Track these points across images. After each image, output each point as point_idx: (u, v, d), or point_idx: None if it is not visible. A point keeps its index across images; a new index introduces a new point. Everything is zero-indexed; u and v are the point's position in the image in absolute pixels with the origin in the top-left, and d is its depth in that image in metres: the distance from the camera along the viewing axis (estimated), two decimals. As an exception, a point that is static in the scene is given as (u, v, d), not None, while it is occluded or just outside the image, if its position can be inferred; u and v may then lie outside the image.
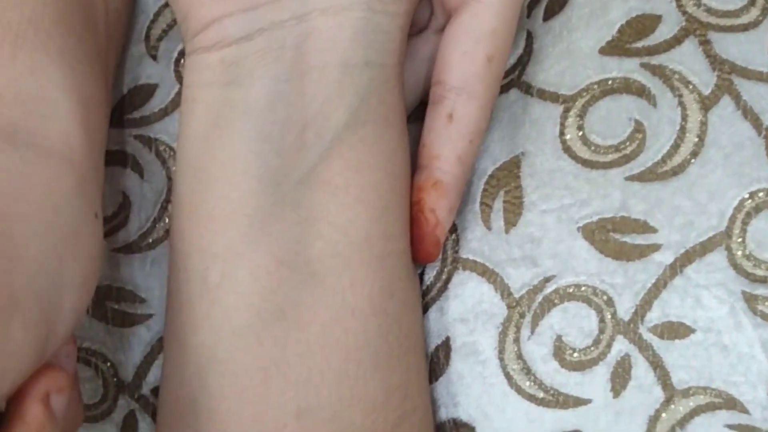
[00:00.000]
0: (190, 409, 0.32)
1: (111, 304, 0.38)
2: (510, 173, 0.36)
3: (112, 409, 0.37)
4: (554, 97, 0.36)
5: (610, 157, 0.36)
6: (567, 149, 0.36)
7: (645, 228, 0.35)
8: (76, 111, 0.30)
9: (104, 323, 0.38)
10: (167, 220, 0.37)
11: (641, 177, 0.35)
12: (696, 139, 0.35)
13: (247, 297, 0.31)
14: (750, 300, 0.34)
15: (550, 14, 0.37)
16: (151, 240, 0.38)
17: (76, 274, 0.28)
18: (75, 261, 0.28)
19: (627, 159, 0.36)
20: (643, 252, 0.35)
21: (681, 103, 0.35)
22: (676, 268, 0.35)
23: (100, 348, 0.38)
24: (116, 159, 0.38)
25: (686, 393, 0.34)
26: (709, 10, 0.36)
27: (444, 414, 0.36)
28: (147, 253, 0.38)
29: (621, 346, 0.35)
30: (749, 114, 0.35)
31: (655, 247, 0.35)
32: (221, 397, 0.31)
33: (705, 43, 0.36)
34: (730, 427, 0.33)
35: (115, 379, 0.37)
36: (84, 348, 0.37)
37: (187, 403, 0.32)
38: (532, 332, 0.35)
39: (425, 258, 0.34)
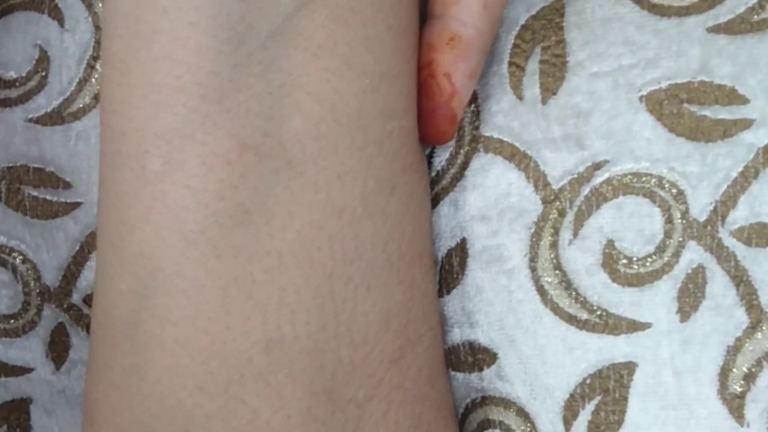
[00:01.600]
0: (127, 336, 0.31)
1: (28, 189, 0.38)
2: (550, 23, 0.36)
3: (36, 322, 0.38)
4: None
5: (687, 1, 0.35)
6: (628, -10, 0.35)
7: (732, 97, 0.34)
8: None
9: (21, 213, 0.38)
10: (96, 83, 0.37)
11: (729, 28, 0.34)
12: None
13: (200, 193, 0.30)
14: None
15: None
16: (76, 108, 0.37)
17: None
18: None
19: (711, 3, 0.35)
20: (728, 130, 0.34)
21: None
22: None
23: (17, 245, 0.38)
24: (29, 1, 0.38)
25: (779, 317, 0.33)
26: None
27: (457, 335, 0.36)
28: (71, 125, 0.37)
29: (693, 254, 0.34)
30: None
31: (746, 124, 0.34)
32: (168, 322, 0.30)
33: None
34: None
35: (37, 284, 0.38)
36: None
37: (123, 328, 0.31)
38: (575, 235, 0.35)
39: (437, 138, 0.34)
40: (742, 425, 0.33)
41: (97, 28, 0.37)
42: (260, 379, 0.30)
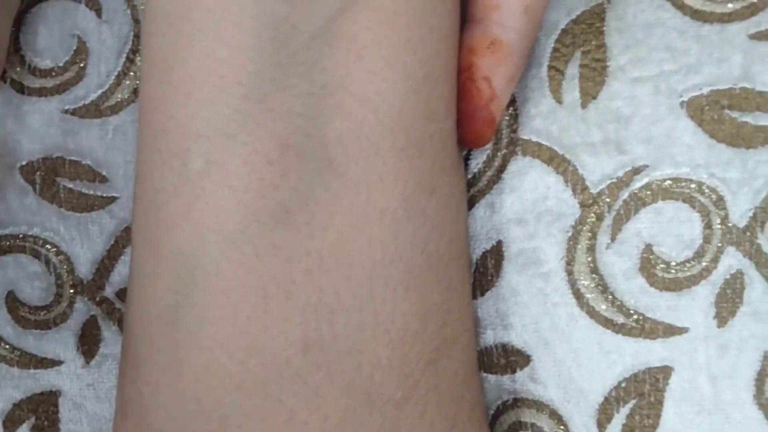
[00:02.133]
0: (164, 334, 0.31)
1: (63, 181, 0.37)
2: (590, 27, 0.36)
3: (68, 314, 0.38)
4: None
5: (730, 7, 0.35)
6: (671, -5, 0.35)
7: None
8: None
9: (56, 206, 0.37)
10: (135, 78, 0.37)
11: None
12: None
13: (241, 192, 0.30)
14: None
15: None
16: (114, 102, 0.37)
17: None
18: None
19: (753, 10, 0.35)
20: None
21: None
22: None
23: (51, 237, 0.38)
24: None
25: (816, 324, 0.33)
26: None
27: (491, 338, 0.36)
28: (109, 119, 0.37)
29: (732, 260, 0.34)
30: None
31: None
32: (206, 321, 0.30)
33: None
34: None
35: (71, 277, 0.38)
36: (30, 236, 0.37)
37: (160, 325, 0.31)
38: (613, 239, 0.35)
39: (475, 141, 0.33)
40: (777, 431, 0.33)
41: (136, 21, 0.37)
42: (298, 379, 0.30)
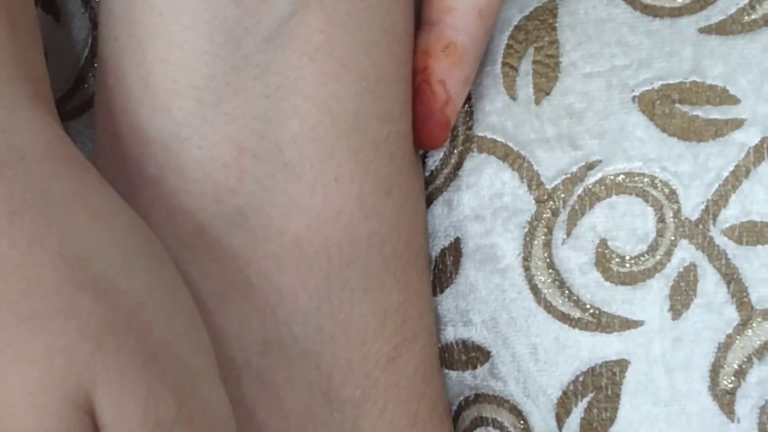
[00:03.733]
0: None
1: None
2: (543, 24, 0.36)
3: None
4: None
5: (679, 2, 0.35)
6: (621, -9, 0.36)
7: (724, 97, 0.34)
8: None
9: None
10: (93, 82, 0.37)
11: (721, 28, 0.34)
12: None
13: (197, 197, 0.30)
14: None
15: None
16: (72, 107, 0.37)
17: None
18: None
19: (703, 4, 0.35)
20: (719, 130, 0.34)
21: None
22: (763, 150, 0.34)
23: None
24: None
25: (769, 314, 0.34)
26: None
27: (451, 334, 0.35)
28: (68, 124, 0.37)
29: (685, 253, 0.34)
30: None
31: (737, 124, 0.34)
32: None
33: None
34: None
35: None
36: None
37: None
38: (569, 234, 0.35)
39: (430, 143, 0.34)
40: (732, 421, 0.33)
41: (95, 25, 0.36)
42: (257, 381, 0.30)
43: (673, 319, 0.34)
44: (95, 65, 0.36)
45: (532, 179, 0.35)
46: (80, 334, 0.24)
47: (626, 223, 0.34)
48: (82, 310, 0.24)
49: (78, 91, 0.37)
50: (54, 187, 0.26)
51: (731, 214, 0.34)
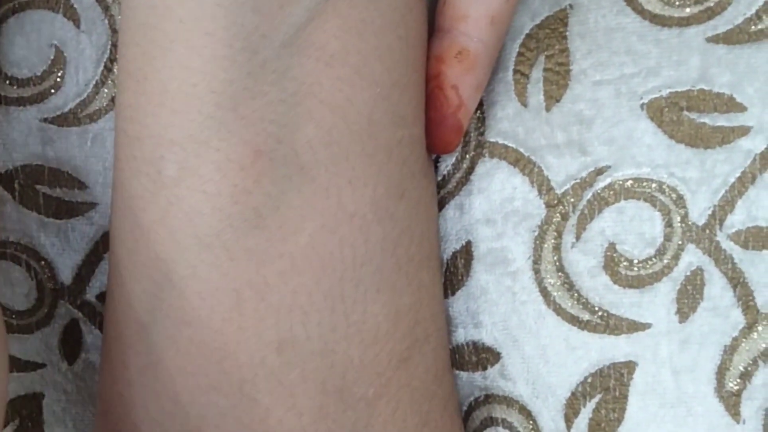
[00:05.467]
0: (141, 337, 0.31)
1: (44, 189, 0.37)
2: (554, 32, 0.35)
3: (50, 317, 0.38)
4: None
5: (687, 12, 0.35)
6: (630, 1, 0.35)
7: (730, 105, 0.34)
8: None
9: (36, 212, 0.37)
10: (113, 86, 0.37)
11: (728, 38, 0.34)
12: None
13: (215, 198, 0.30)
14: None
15: None
16: (92, 110, 0.37)
17: None
18: None
19: (710, 14, 0.34)
20: (726, 137, 0.34)
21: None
22: None
23: (31, 243, 0.37)
24: (41, 0, 0.37)
25: (775, 318, 0.34)
26: None
27: (462, 336, 0.36)
28: (87, 127, 0.37)
29: (692, 257, 0.34)
30: None
31: (743, 131, 0.34)
32: (182, 323, 0.30)
33: None
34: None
35: (51, 282, 0.38)
36: (11, 242, 0.37)
37: (137, 328, 0.31)
38: (578, 238, 0.35)
39: (443, 148, 0.34)
40: (738, 422, 0.33)
41: (114, 31, 0.36)
42: (273, 379, 0.30)
43: (680, 322, 0.34)
44: (115, 70, 0.36)
45: (542, 184, 0.35)
46: None
47: (634, 228, 0.34)
48: None
49: (97, 95, 0.36)
50: None
51: (737, 219, 0.33)
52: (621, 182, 0.34)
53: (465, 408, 0.36)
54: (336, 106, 0.30)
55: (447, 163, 0.36)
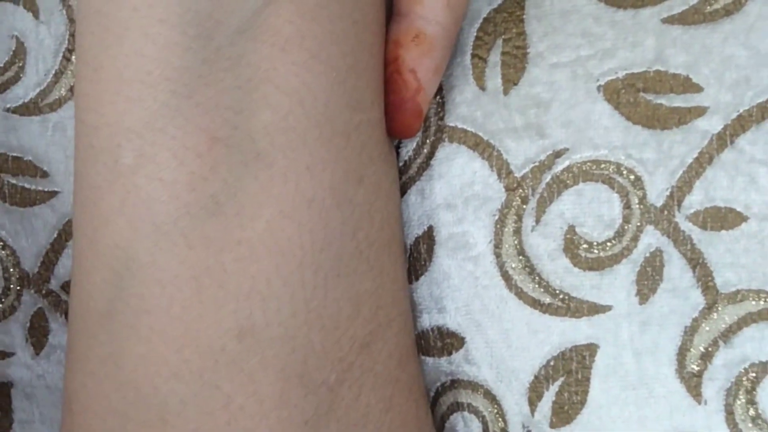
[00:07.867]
0: (103, 326, 0.31)
1: (7, 177, 0.38)
2: (511, 16, 0.35)
3: (16, 307, 0.38)
4: None
5: None
6: (586, -16, 0.35)
7: (686, 86, 0.34)
8: None
9: (0, 201, 0.38)
10: (72, 75, 0.37)
11: (683, 18, 0.34)
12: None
13: (172, 185, 0.30)
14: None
15: None
16: (52, 99, 0.37)
17: None
18: None
19: None
20: (683, 117, 0.34)
21: None
22: (726, 138, 0.34)
23: None
24: (2, -8, 0.38)
25: (733, 298, 0.33)
26: None
27: (426, 321, 0.36)
28: (48, 116, 0.37)
29: (651, 239, 0.34)
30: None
31: (699, 111, 0.34)
32: (142, 311, 0.30)
33: None
34: (787, 338, 0.34)
35: (17, 270, 0.38)
36: None
37: (99, 318, 0.31)
38: (538, 221, 0.35)
39: (403, 132, 0.34)
40: (699, 403, 0.33)
41: (72, 20, 0.36)
42: (233, 366, 0.30)
43: (640, 303, 0.34)
44: (73, 60, 0.36)
45: (501, 168, 0.35)
46: None
47: (593, 210, 0.34)
48: None
49: (57, 84, 0.37)
50: None
51: (695, 200, 0.34)
52: (579, 164, 0.34)
53: (432, 393, 0.35)
54: (292, 91, 0.30)
55: (408, 149, 0.36)
